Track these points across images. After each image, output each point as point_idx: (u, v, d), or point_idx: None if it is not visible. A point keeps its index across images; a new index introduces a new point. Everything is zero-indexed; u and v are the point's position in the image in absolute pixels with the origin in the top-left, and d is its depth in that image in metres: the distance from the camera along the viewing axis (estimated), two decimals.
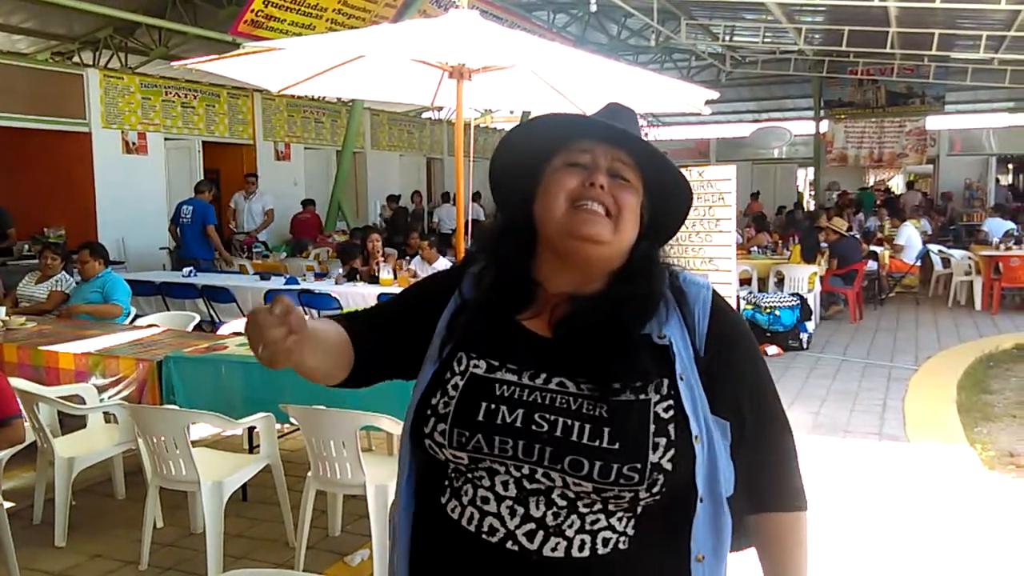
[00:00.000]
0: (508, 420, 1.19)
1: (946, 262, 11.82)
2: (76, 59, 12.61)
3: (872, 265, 11.04)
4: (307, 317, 1.17)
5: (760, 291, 9.74)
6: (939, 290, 12.03)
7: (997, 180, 20.48)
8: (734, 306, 5.35)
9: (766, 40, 16.01)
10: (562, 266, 1.27)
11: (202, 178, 11.17)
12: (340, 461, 3.39)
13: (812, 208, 17.94)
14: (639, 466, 1.14)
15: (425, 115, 18.79)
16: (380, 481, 3.38)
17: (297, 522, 3.61)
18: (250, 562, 3.67)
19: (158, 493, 3.71)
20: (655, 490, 1.15)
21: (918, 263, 11.74)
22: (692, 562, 1.20)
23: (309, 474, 3.53)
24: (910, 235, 11.66)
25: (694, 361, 1.24)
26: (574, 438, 1.16)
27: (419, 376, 1.31)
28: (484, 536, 1.18)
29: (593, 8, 13.66)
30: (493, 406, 1.20)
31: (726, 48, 17.31)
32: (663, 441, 1.16)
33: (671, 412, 1.18)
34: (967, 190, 19.94)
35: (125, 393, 4.31)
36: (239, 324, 5.57)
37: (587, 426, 1.16)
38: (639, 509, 1.18)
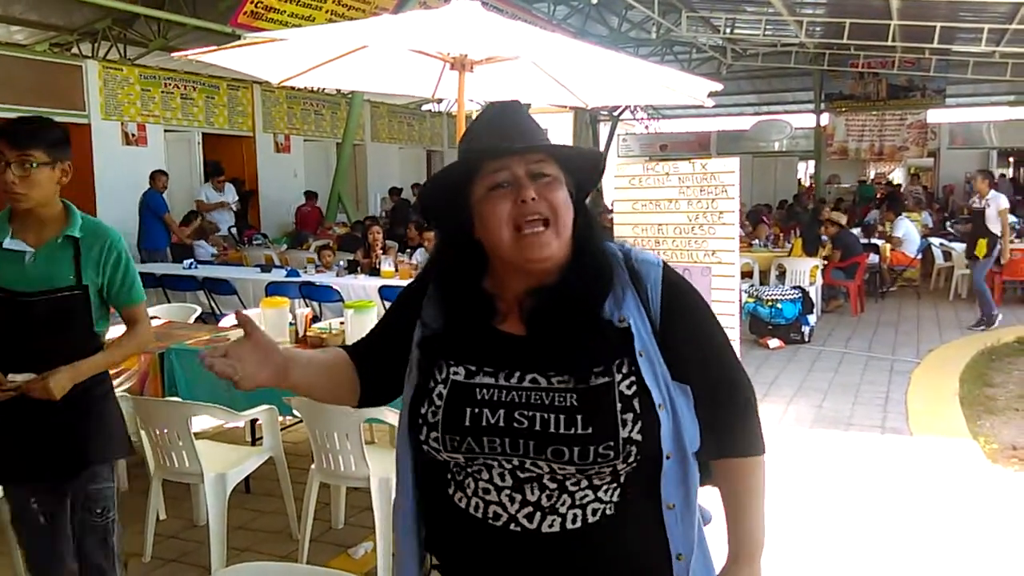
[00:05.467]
0: (492, 421, 1.31)
1: (947, 255, 11.81)
2: (75, 50, 12.55)
3: (873, 258, 11.03)
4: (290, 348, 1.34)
5: (762, 284, 9.74)
6: (940, 283, 12.02)
7: (1002, 175, 20.44)
8: (737, 299, 5.32)
9: (767, 33, 15.97)
10: (517, 274, 1.37)
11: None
12: (344, 453, 3.38)
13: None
14: (612, 443, 1.27)
15: (425, 107, 18.75)
16: (383, 473, 3.38)
17: (300, 514, 3.61)
18: (253, 554, 3.67)
19: (161, 485, 3.71)
20: (630, 460, 1.28)
21: (919, 256, 11.72)
22: (664, 511, 1.33)
23: (312, 466, 3.53)
24: (908, 228, 11.65)
25: (652, 335, 1.35)
26: (552, 430, 1.28)
27: (405, 383, 1.43)
28: (490, 521, 1.32)
29: (594, 0, 13.63)
30: (476, 410, 1.32)
31: (727, 41, 17.25)
32: (630, 416, 1.28)
33: (633, 388, 1.30)
34: (968, 183, 19.90)
35: (127, 385, 4.30)
36: None
37: (561, 417, 1.28)
38: (621, 478, 1.31)
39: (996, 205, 8.89)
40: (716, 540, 1.45)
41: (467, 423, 1.31)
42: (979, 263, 9.09)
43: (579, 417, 1.27)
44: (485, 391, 1.33)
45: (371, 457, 3.39)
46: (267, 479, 4.14)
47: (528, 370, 1.32)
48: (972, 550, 3.68)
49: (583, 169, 1.41)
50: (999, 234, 8.92)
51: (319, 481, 3.53)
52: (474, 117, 1.45)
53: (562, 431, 1.27)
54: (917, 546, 3.73)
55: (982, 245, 9.03)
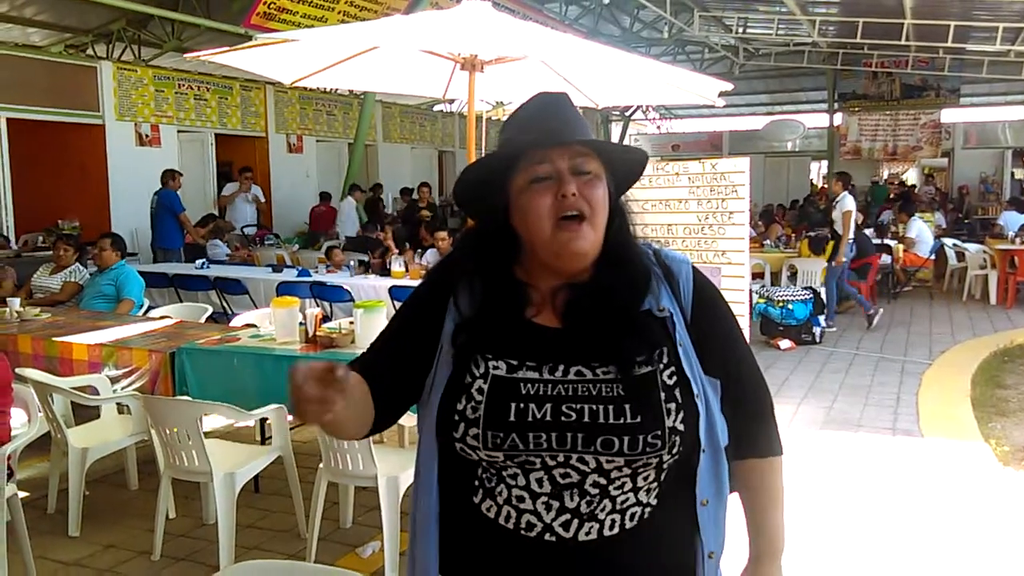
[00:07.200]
0: (538, 416, 1.27)
1: (960, 256, 11.75)
2: (90, 52, 12.64)
3: (886, 259, 10.97)
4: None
5: (773, 285, 9.70)
6: (953, 284, 11.94)
7: (1012, 174, 20.31)
8: (746, 300, 5.30)
9: (780, 32, 15.92)
10: (550, 270, 1.35)
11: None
12: (352, 453, 3.39)
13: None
14: (659, 432, 1.26)
15: (437, 108, 18.77)
16: (391, 473, 3.39)
17: (309, 513, 3.62)
18: (262, 553, 3.68)
19: (171, 484, 3.73)
20: (674, 451, 1.28)
21: (932, 257, 11.65)
22: (697, 507, 1.33)
23: (321, 465, 3.54)
24: (920, 229, 11.59)
25: (685, 328, 1.36)
26: (601, 420, 1.26)
27: (432, 380, 1.36)
28: (523, 532, 1.28)
29: (606, 0, 13.61)
30: (522, 405, 1.27)
31: (739, 40, 17.21)
32: (673, 406, 1.28)
33: (674, 378, 1.31)
34: (982, 183, 19.77)
35: (138, 384, 4.33)
36: (252, 316, 5.58)
37: (610, 407, 1.26)
38: (663, 475, 1.30)
39: (841, 207, 8.98)
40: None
41: (512, 418, 1.26)
42: (830, 266, 9.09)
43: (627, 407, 1.26)
44: (530, 386, 1.29)
45: (379, 456, 3.39)
46: (276, 478, 4.16)
47: (572, 363, 1.30)
48: (983, 552, 3.66)
49: (625, 167, 1.40)
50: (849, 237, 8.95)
51: (327, 480, 3.54)
52: (519, 105, 1.41)
53: (611, 421, 1.25)
54: (928, 548, 3.71)
55: (829, 248, 9.12)
